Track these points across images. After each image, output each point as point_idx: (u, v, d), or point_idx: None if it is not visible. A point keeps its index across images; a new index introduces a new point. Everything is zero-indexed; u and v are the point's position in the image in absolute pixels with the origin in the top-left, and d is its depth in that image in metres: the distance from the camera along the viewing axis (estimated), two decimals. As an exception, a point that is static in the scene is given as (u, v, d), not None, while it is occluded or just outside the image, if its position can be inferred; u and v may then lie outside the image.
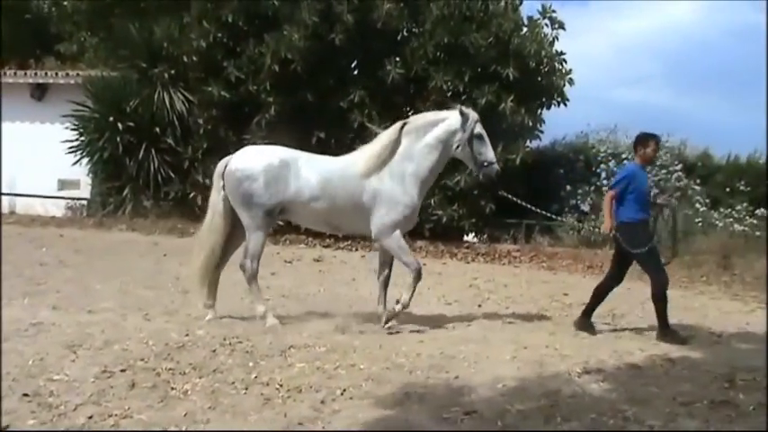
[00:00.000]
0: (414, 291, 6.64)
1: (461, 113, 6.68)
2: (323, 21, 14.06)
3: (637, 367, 5.28)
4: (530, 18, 15.10)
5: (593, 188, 16.37)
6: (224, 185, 6.59)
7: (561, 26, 15.00)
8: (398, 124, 6.86)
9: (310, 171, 6.56)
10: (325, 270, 10.72)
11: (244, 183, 6.42)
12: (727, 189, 17.16)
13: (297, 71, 13.95)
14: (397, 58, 14.31)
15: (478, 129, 6.71)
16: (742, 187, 17.12)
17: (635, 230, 6.77)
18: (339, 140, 13.79)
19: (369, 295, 8.29)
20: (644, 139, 7.03)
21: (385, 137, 6.79)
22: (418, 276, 6.64)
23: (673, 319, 6.86)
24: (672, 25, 58.69)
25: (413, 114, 13.70)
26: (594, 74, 49.97)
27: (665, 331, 6.70)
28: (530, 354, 5.54)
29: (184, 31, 15.25)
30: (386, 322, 6.51)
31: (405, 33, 14.77)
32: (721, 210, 16.23)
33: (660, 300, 6.77)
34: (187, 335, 5.65)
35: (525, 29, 14.99)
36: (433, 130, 6.74)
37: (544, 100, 15.29)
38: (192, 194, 14.72)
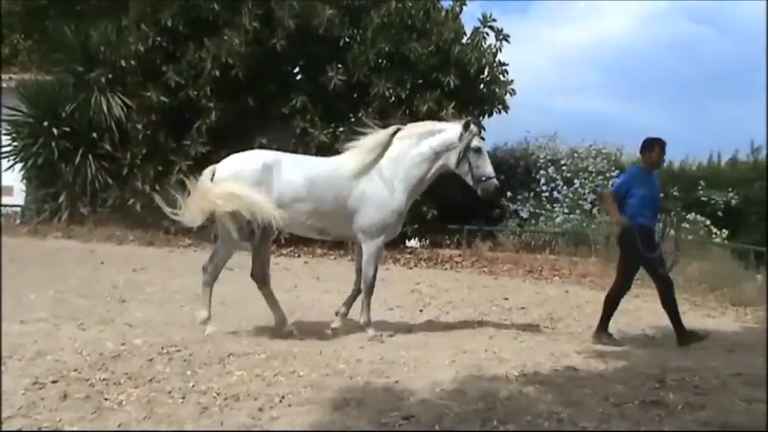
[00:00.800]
0: (368, 307, 6.65)
1: (464, 126, 6.65)
2: (264, 26, 13.97)
3: (572, 369, 5.37)
4: (475, 29, 15.15)
5: (532, 194, 16.66)
6: None
7: (506, 38, 15.17)
8: (391, 129, 6.82)
9: (294, 172, 6.45)
10: (267, 277, 10.62)
11: None
12: (662, 194, 17.61)
13: (238, 76, 13.81)
14: (339, 65, 14.28)
15: (476, 142, 6.70)
16: (675, 193, 17.64)
17: (638, 234, 6.81)
18: (281, 146, 13.64)
19: (310, 302, 8.30)
20: (649, 144, 7.10)
21: (373, 140, 6.71)
22: (369, 291, 6.64)
23: (608, 321, 7.04)
24: (610, 37, 60.40)
25: (355, 121, 13.83)
26: (535, 82, 51.00)
27: (601, 333, 6.88)
28: (469, 358, 5.58)
29: (122, 35, 14.97)
30: (370, 338, 6.42)
31: (346, 40, 14.76)
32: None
33: (612, 301, 6.94)
34: (123, 344, 5.54)
35: (466, 37, 15.13)
36: (429, 140, 6.71)
37: (485, 108, 15.47)
38: (130, 201, 14.44)
